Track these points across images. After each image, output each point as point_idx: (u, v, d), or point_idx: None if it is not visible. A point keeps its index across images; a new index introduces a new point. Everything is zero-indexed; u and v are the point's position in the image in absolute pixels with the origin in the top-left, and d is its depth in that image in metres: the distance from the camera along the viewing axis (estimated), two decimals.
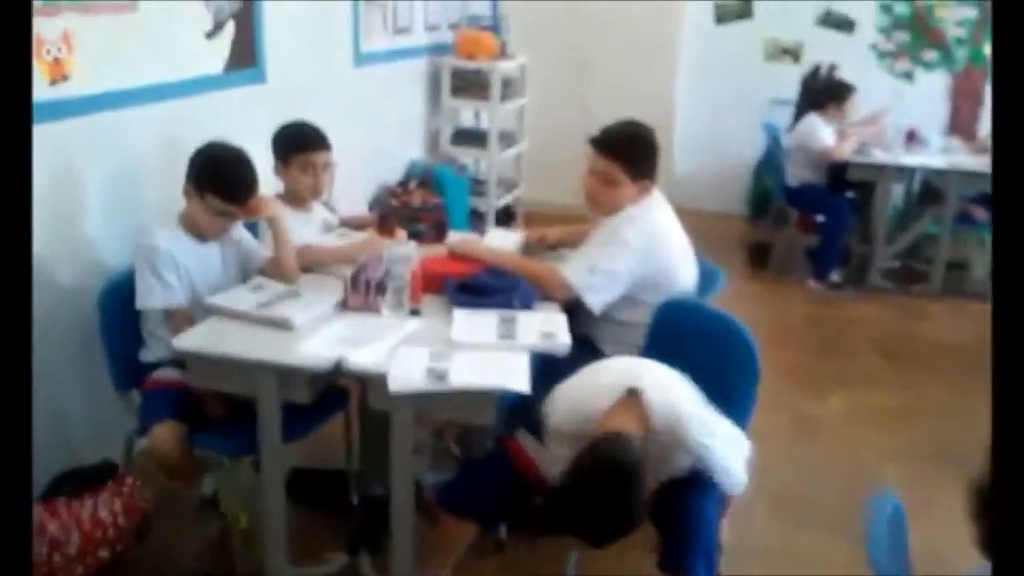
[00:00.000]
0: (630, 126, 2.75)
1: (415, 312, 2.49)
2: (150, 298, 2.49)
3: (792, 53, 6.54)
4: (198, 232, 2.60)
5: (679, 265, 2.74)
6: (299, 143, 2.98)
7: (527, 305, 2.53)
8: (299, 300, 2.50)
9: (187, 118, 3.19)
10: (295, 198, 3.00)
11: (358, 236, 3.08)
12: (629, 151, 2.70)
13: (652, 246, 2.64)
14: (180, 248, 2.55)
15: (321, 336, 2.31)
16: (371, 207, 4.62)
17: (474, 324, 2.40)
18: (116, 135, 2.89)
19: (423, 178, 5.10)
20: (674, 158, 6.56)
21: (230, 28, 3.44)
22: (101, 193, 2.87)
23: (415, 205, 4.90)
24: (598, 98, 6.37)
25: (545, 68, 6.12)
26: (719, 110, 6.62)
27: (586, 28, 6.39)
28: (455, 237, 3.03)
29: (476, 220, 5.58)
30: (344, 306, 2.51)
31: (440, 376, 2.12)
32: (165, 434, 2.39)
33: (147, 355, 2.61)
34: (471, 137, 5.67)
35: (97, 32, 2.74)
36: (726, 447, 2.01)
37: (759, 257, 5.81)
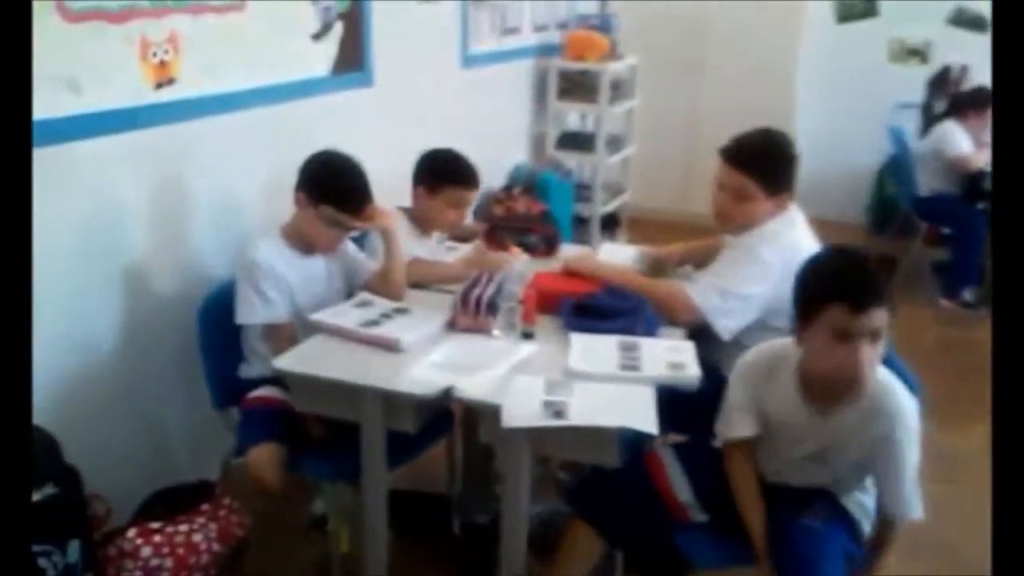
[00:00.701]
0: (766, 136, 2.51)
1: (528, 335, 2.31)
2: (250, 313, 2.38)
3: (920, 54, 6.13)
4: (304, 244, 2.48)
5: None
6: (456, 177, 2.85)
7: (651, 331, 2.32)
8: (407, 318, 2.35)
9: (293, 123, 3.09)
10: (425, 222, 2.86)
11: (465, 249, 2.92)
12: (765, 164, 2.47)
13: (791, 268, 2.39)
14: (283, 261, 2.43)
15: (429, 359, 2.15)
16: (475, 214, 4.49)
17: (593, 351, 2.20)
18: (221, 140, 2.79)
19: (527, 184, 4.94)
20: None
21: (338, 29, 3.32)
22: (206, 200, 2.78)
23: (519, 212, 4.76)
24: (710, 101, 6.10)
25: (655, 69, 5.86)
26: (840, 114, 6.25)
27: (699, 27, 6.12)
28: (570, 252, 2.82)
29: (580, 227, 5.38)
30: (453, 326, 2.35)
31: (559, 411, 1.93)
32: (263, 456, 2.27)
33: (248, 371, 2.50)
34: (577, 141, 5.47)
35: (204, 33, 2.64)
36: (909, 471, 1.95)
37: (885, 270, 5.43)
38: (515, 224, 3.02)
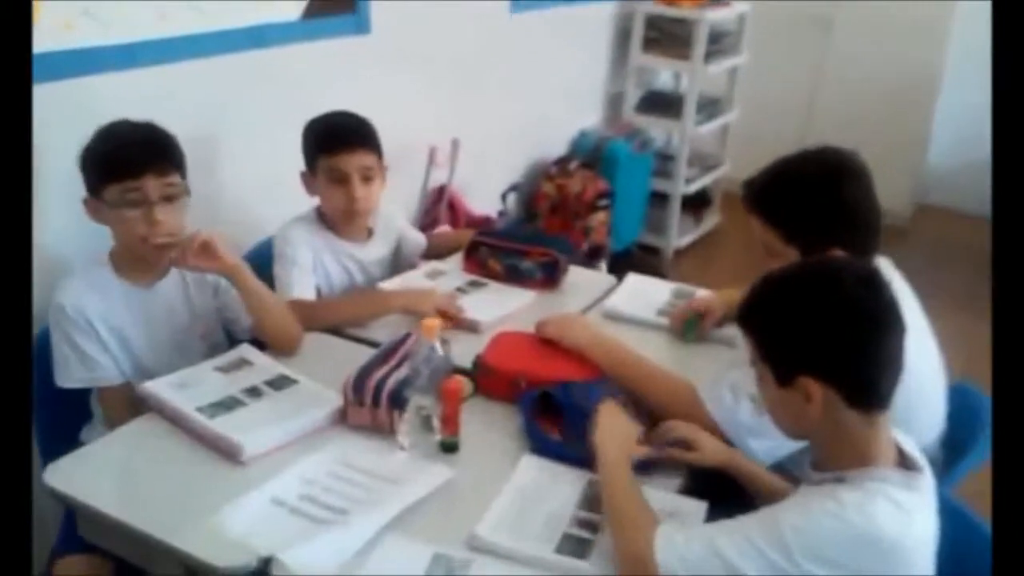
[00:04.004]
0: (792, 164, 1.66)
1: (449, 448, 1.53)
2: (65, 374, 1.69)
3: None
4: (136, 265, 1.76)
5: (916, 395, 1.61)
6: (322, 140, 2.07)
7: (646, 464, 1.50)
8: (278, 400, 1.61)
9: (238, 86, 2.36)
10: (333, 221, 2.12)
11: (453, 268, 2.18)
12: (782, 206, 1.63)
13: None
14: (103, 300, 1.72)
15: (280, 484, 1.41)
16: (503, 196, 3.68)
17: (537, 500, 1.41)
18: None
19: (592, 155, 4.09)
20: (929, 147, 5.12)
21: None
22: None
23: (573, 192, 3.92)
24: (838, 64, 5.01)
25: (771, 20, 4.82)
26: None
27: None
28: (554, 316, 1.90)
29: (659, 206, 4.48)
30: (344, 419, 1.59)
31: None
32: (74, 572, 1.62)
33: (90, 436, 1.81)
34: (665, 103, 4.52)
35: None
36: None
37: None
38: (504, 244, 2.20)
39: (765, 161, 1.71)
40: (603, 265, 3.85)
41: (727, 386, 1.57)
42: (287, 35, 2.52)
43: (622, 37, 4.38)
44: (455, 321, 1.94)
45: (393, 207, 2.33)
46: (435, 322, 1.51)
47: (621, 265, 3.96)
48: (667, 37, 4.32)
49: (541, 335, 1.81)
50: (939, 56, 4.88)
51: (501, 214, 3.64)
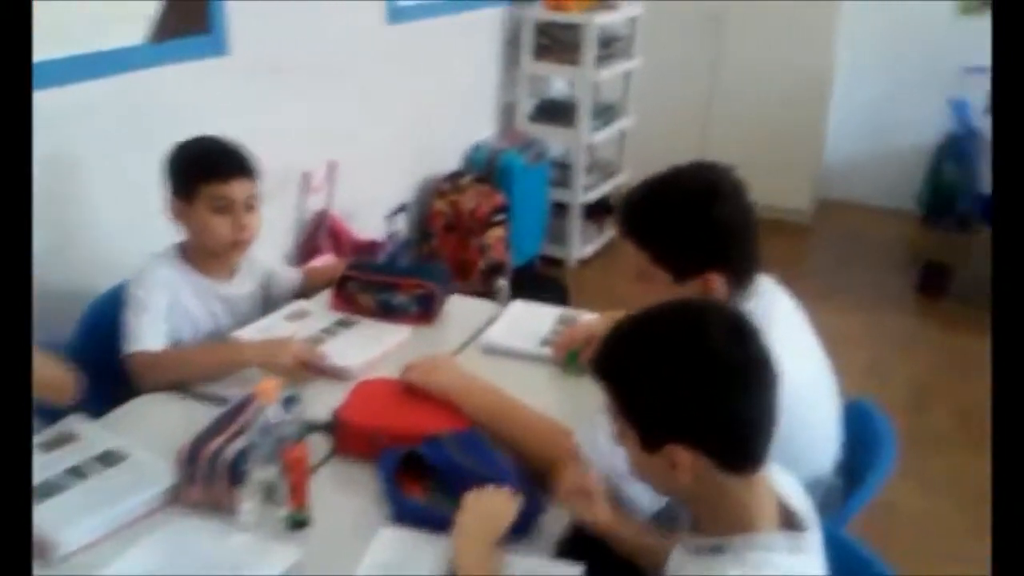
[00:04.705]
0: (662, 183, 1.51)
1: (298, 524, 1.37)
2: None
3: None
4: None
5: (808, 423, 1.51)
6: (207, 167, 1.88)
7: (524, 525, 1.36)
8: (104, 479, 1.42)
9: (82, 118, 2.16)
10: (202, 252, 1.93)
11: (278, 323, 1.99)
12: (653, 228, 1.49)
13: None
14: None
15: None
16: (390, 218, 3.52)
17: (402, 573, 1.26)
18: None
19: (485, 169, 3.95)
20: (826, 141, 5.13)
21: None
22: None
23: (467, 208, 3.78)
24: (733, 66, 4.97)
25: (663, 23, 4.75)
26: (892, 80, 5.12)
27: None
28: (419, 360, 1.72)
29: (560, 217, 4.38)
30: (180, 497, 1.41)
31: None
32: None
33: None
34: (560, 111, 4.41)
35: None
36: None
37: (935, 281, 4.35)
38: (375, 277, 2.04)
39: (666, 165, 1.58)
40: (503, 283, 3.70)
41: (602, 428, 1.44)
42: (135, 60, 2.34)
43: (512, 45, 4.26)
44: (318, 371, 1.78)
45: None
46: (272, 384, 1.34)
47: (523, 280, 3.84)
48: (557, 43, 4.22)
49: (406, 382, 1.65)
50: (828, 53, 4.88)
51: (392, 237, 3.47)
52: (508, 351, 1.92)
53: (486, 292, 3.81)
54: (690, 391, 1.05)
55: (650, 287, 1.46)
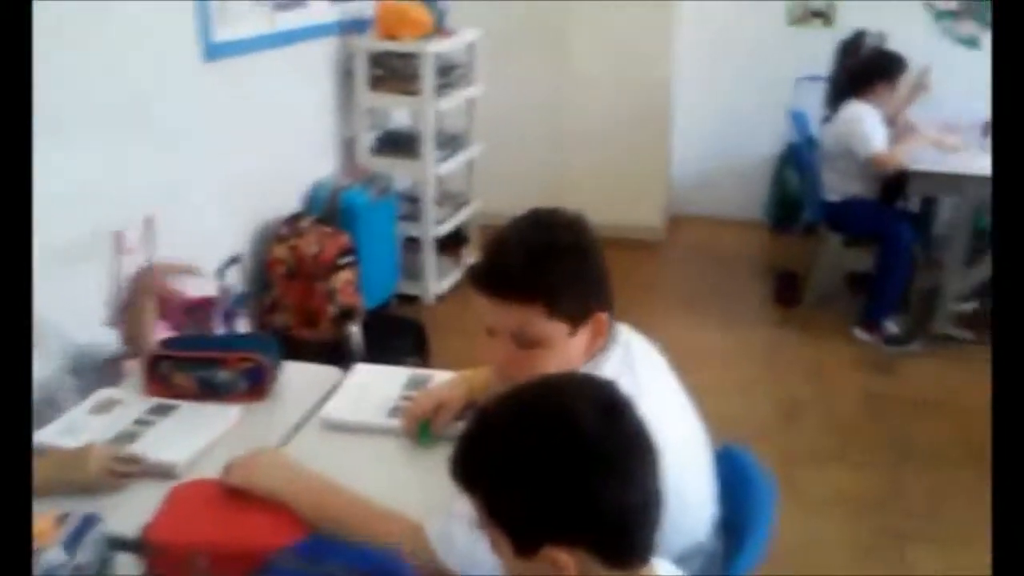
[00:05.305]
0: (534, 237, 1.37)
1: None
2: None
3: (823, 15, 5.08)
4: None
5: (683, 489, 1.36)
6: None
7: None
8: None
9: None
10: None
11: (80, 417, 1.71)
12: (551, 277, 1.34)
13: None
14: None
15: None
16: (220, 272, 3.23)
17: None
18: None
19: (327, 209, 3.72)
20: (673, 155, 5.16)
21: None
22: None
23: (310, 253, 3.53)
24: (575, 82, 4.92)
25: (502, 46, 4.64)
26: (730, 92, 5.20)
27: None
28: (241, 457, 1.44)
29: (413, 252, 4.18)
30: None
31: None
32: None
33: None
34: (402, 143, 4.22)
35: None
36: None
37: (789, 290, 4.38)
38: (191, 354, 1.78)
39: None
40: (355, 329, 3.48)
41: (458, 519, 1.25)
42: None
43: (346, 77, 4.04)
44: (133, 475, 1.51)
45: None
46: (46, 522, 1.08)
47: (377, 323, 3.62)
48: (393, 73, 4.03)
49: (228, 485, 1.40)
50: (666, 66, 4.90)
51: (225, 292, 3.18)
52: (353, 426, 1.70)
53: (337, 340, 3.61)
54: (563, 485, 0.91)
55: (545, 351, 1.34)
